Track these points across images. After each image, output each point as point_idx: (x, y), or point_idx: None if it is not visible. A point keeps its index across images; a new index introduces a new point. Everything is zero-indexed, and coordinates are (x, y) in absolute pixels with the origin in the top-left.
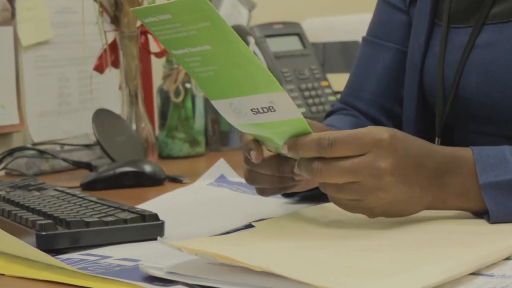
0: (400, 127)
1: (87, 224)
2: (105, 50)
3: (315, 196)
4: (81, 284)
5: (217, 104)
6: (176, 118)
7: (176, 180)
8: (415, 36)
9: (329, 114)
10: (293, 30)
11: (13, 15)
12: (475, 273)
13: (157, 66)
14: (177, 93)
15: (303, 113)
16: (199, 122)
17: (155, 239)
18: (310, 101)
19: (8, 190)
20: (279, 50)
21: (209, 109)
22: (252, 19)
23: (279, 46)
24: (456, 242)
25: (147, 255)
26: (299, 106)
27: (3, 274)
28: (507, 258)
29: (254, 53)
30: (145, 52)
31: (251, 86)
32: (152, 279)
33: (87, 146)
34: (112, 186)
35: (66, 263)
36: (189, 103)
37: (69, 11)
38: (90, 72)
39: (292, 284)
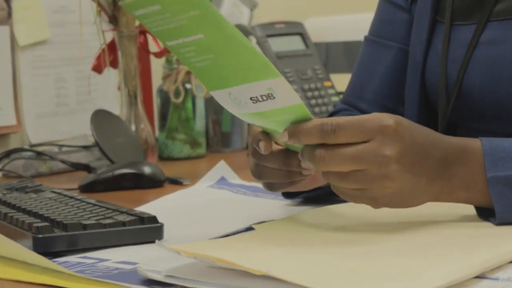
0: None
1: (85, 227)
2: (103, 50)
3: (317, 197)
4: None
5: (217, 94)
6: (176, 119)
7: (176, 182)
8: (416, 34)
9: (331, 115)
10: (295, 29)
11: (9, 14)
12: (479, 277)
13: (157, 66)
14: (177, 94)
15: None
16: (199, 123)
17: (154, 242)
18: (313, 101)
19: (4, 192)
20: (281, 50)
21: (210, 110)
22: (254, 18)
23: (281, 46)
24: (460, 245)
25: (146, 258)
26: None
27: None
28: None
29: None
30: (144, 52)
31: (248, 74)
32: (150, 282)
33: (86, 147)
34: (111, 188)
35: (63, 266)
36: (189, 104)
37: (67, 10)
38: (88, 72)
39: None
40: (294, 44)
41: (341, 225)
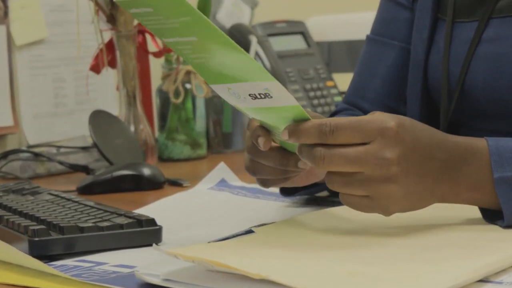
0: None
1: (82, 230)
2: (101, 50)
3: (316, 196)
4: None
5: (216, 88)
6: (176, 119)
7: (176, 184)
8: (417, 32)
9: (332, 114)
10: (297, 28)
11: (6, 13)
12: (483, 280)
13: (156, 66)
14: (176, 94)
15: None
16: (200, 124)
17: (152, 245)
18: (316, 101)
19: (1, 194)
20: (283, 50)
21: (211, 110)
22: (255, 17)
23: (283, 45)
24: (463, 249)
25: (144, 262)
26: (303, 107)
27: None
28: None
29: (257, 53)
30: (143, 52)
31: (244, 75)
32: (148, 286)
33: (84, 148)
34: (110, 190)
35: (59, 270)
36: (189, 104)
37: (64, 9)
38: (86, 72)
39: None
40: (295, 43)
41: (341, 228)
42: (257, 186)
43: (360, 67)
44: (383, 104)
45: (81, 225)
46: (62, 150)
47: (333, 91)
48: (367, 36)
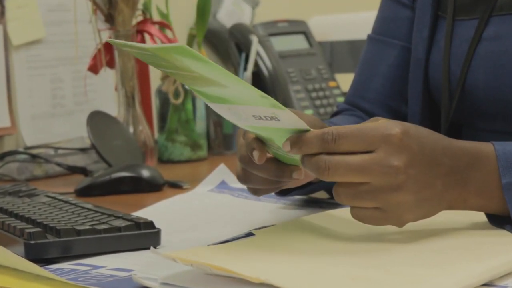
0: None
1: (78, 233)
2: (99, 50)
3: (316, 196)
4: None
5: (215, 106)
6: (176, 120)
7: (175, 186)
8: (418, 30)
9: (334, 115)
10: (298, 28)
11: (2, 13)
12: (487, 284)
13: None
14: (176, 95)
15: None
16: (200, 125)
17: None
18: (318, 102)
19: None
20: (284, 50)
21: (211, 111)
22: (256, 17)
23: (284, 45)
24: (468, 253)
25: (141, 265)
26: (306, 107)
27: None
28: None
29: (258, 53)
30: None
31: (251, 100)
32: None
33: (82, 150)
34: (108, 192)
35: (56, 273)
36: (189, 105)
37: (62, 9)
38: (84, 72)
39: None
40: (297, 43)
41: (343, 230)
42: None
43: (361, 67)
44: (384, 104)
45: (78, 228)
46: (60, 151)
47: (336, 91)
48: (368, 36)
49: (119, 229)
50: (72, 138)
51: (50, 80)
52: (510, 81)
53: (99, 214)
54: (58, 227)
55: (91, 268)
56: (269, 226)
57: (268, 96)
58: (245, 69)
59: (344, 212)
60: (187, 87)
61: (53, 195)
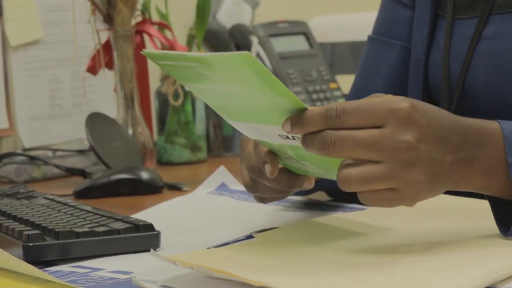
0: None
1: (77, 235)
2: (98, 50)
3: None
4: None
5: (235, 124)
6: (176, 122)
7: (175, 188)
8: (418, 29)
9: None
10: (299, 29)
11: (0, 13)
12: (490, 287)
13: (154, 67)
14: (176, 96)
15: None
16: (200, 127)
17: (150, 250)
18: (319, 104)
19: None
20: (285, 51)
21: (211, 113)
22: (256, 17)
23: (285, 46)
24: (469, 256)
25: (141, 268)
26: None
27: None
28: None
29: (258, 53)
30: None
31: (281, 118)
32: None
33: (81, 151)
34: (107, 194)
35: (55, 276)
36: (189, 107)
37: (60, 9)
38: (83, 73)
39: None
40: (298, 44)
41: (344, 234)
42: None
43: (362, 68)
44: None
45: (77, 230)
46: (58, 153)
47: (337, 93)
48: (369, 36)
49: (118, 231)
50: (70, 140)
51: (48, 81)
52: (510, 80)
53: (98, 216)
54: (56, 229)
55: (90, 270)
56: (270, 228)
57: None
58: None
59: (345, 216)
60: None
61: (51, 197)
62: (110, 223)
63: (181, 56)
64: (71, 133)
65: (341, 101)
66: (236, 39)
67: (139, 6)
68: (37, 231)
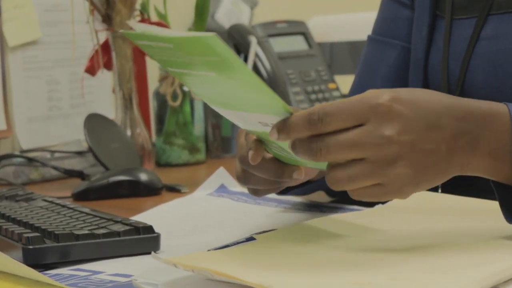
0: None
1: (77, 237)
2: (96, 51)
3: (317, 200)
4: None
5: (219, 110)
6: (174, 123)
7: (174, 190)
8: (417, 29)
9: None
10: (298, 29)
11: None
12: None
13: (153, 68)
14: (174, 97)
15: None
16: (198, 128)
17: (150, 253)
18: (317, 104)
19: None
20: (283, 51)
21: (209, 114)
22: (254, 17)
23: (283, 46)
24: (472, 257)
25: (141, 270)
26: (305, 110)
27: None
28: None
29: (257, 54)
30: (139, 53)
31: (260, 107)
32: None
33: (79, 153)
34: (106, 196)
35: (54, 279)
36: (187, 107)
37: (59, 9)
38: (81, 74)
39: None
40: (296, 44)
41: (345, 235)
42: None
43: (362, 68)
44: None
45: (76, 232)
46: (56, 155)
47: (335, 93)
48: (369, 36)
49: (118, 233)
50: (68, 141)
51: (46, 82)
52: (509, 80)
53: (97, 218)
54: (56, 232)
55: (91, 273)
56: (270, 230)
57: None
58: None
59: (346, 217)
60: (186, 88)
61: (50, 199)
62: (109, 225)
63: (154, 36)
64: (69, 134)
65: None
66: (235, 39)
67: (137, 6)
68: (36, 234)
